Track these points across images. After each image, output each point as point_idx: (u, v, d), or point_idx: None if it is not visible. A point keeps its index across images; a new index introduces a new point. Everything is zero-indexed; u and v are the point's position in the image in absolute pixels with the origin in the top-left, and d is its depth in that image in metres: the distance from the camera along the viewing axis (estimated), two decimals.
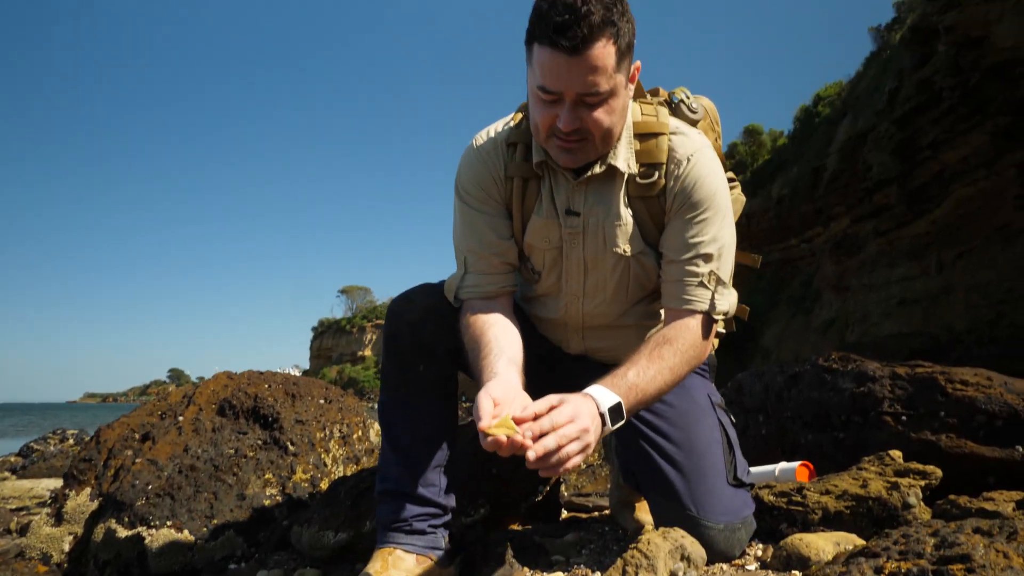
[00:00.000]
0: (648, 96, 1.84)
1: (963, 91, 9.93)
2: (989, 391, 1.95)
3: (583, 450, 1.29)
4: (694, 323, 1.64)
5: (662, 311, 1.86)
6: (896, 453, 1.84)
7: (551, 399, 1.34)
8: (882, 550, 1.18)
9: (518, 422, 1.26)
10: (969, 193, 10.50)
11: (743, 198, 2.10)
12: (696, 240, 1.64)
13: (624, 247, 1.71)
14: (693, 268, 1.64)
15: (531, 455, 1.23)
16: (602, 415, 1.40)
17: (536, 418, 1.28)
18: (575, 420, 1.30)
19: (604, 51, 1.44)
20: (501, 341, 1.60)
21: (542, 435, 1.25)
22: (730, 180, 1.91)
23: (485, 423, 1.27)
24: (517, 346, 1.63)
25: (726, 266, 1.68)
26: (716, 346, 1.97)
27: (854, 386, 2.19)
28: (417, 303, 1.80)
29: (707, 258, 1.64)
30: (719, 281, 1.65)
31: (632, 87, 1.61)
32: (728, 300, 1.68)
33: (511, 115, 1.80)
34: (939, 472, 1.71)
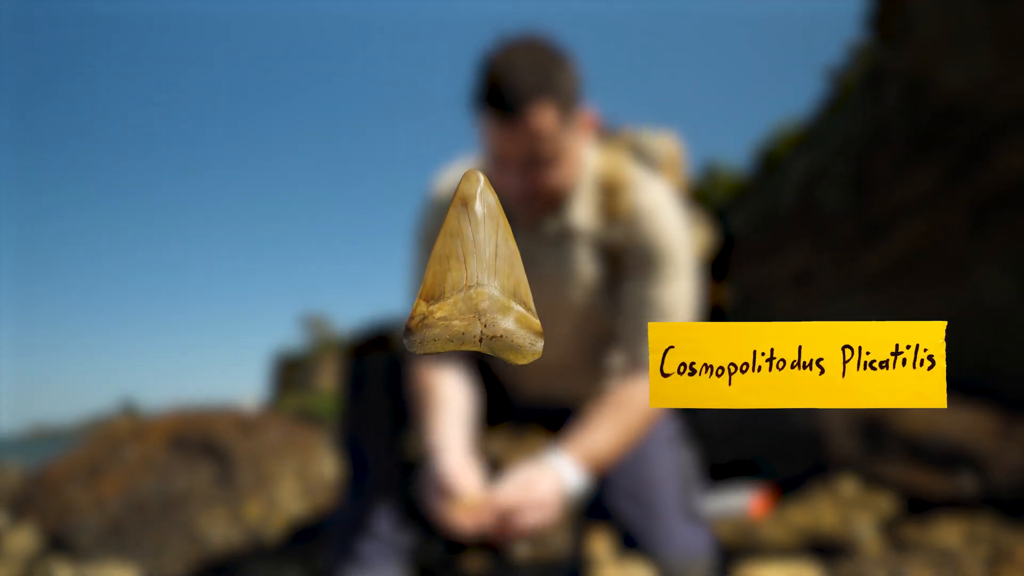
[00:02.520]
0: (611, 139, 1.83)
1: (913, 131, 10.31)
2: (935, 424, 2.00)
3: (542, 520, 1.34)
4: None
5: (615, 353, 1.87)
6: (849, 484, 1.87)
7: (516, 484, 1.35)
8: None
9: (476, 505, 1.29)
10: (922, 228, 10.83)
11: (704, 235, 2.09)
12: (653, 298, 1.61)
13: (578, 300, 1.69)
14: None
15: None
16: (561, 485, 1.41)
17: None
18: (540, 507, 1.33)
19: (542, 116, 1.39)
20: (451, 396, 1.55)
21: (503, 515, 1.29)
22: (693, 219, 1.93)
23: (442, 506, 1.31)
24: (467, 400, 1.58)
25: (688, 319, 1.66)
26: None
27: (806, 418, 2.23)
28: (376, 357, 1.78)
29: (669, 316, 1.61)
30: None
31: (586, 137, 1.58)
32: None
33: (463, 166, 1.76)
34: (889, 503, 1.73)
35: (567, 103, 1.43)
